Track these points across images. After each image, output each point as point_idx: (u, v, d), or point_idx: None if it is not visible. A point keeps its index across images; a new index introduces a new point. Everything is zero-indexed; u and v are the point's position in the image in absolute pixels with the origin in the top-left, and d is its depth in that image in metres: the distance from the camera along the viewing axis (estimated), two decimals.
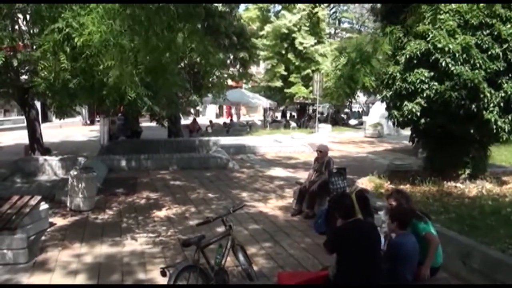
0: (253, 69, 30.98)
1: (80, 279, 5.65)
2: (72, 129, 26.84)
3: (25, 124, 14.41)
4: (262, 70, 38.64)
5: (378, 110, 23.59)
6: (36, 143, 13.72)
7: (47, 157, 12.92)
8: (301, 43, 29.77)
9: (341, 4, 34.98)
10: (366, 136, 24.80)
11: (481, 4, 8.33)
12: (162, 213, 8.60)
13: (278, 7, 32.02)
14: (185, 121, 22.77)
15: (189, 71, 17.22)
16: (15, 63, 11.23)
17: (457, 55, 8.23)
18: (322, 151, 8.71)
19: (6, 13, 6.92)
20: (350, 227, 4.21)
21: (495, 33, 8.34)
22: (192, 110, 20.18)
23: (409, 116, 8.95)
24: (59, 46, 5.28)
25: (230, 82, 26.56)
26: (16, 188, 10.09)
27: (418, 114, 8.83)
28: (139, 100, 10.24)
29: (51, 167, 12.41)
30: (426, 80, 8.59)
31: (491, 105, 8.40)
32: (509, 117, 8.63)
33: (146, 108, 12.46)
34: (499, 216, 6.96)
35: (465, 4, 8.47)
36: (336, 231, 4.37)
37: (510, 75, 8.51)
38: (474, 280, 5.35)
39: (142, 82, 7.49)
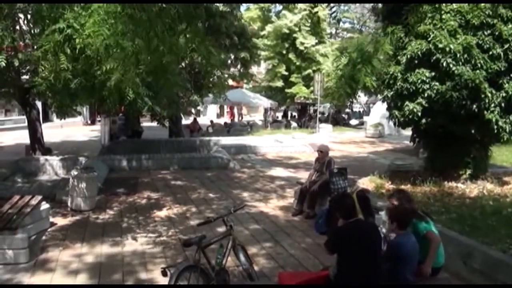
0: (254, 69, 31.01)
1: (81, 279, 5.66)
2: (73, 129, 26.85)
3: (26, 124, 14.42)
4: (263, 70, 38.62)
5: (379, 110, 23.56)
6: (37, 143, 13.73)
7: (48, 157, 12.94)
8: (302, 43, 29.75)
9: (341, 4, 34.91)
10: (367, 136, 24.77)
11: (483, 4, 8.33)
12: (163, 213, 8.61)
13: (279, 7, 32.00)
14: (186, 121, 22.78)
15: (190, 71, 17.22)
16: (16, 63, 11.24)
17: (458, 55, 8.22)
18: (323, 151, 8.71)
19: (7, 13, 6.91)
20: (351, 227, 4.21)
21: (496, 33, 8.33)
22: (193, 110, 20.18)
23: (410, 116, 8.94)
24: (60, 47, 5.28)
25: (231, 82, 26.56)
26: (17, 188, 10.10)
27: (419, 114, 8.82)
28: (140, 100, 10.27)
29: (52, 167, 12.43)
30: (427, 80, 8.58)
31: (492, 105, 8.39)
32: (510, 117, 8.61)
33: (147, 108, 12.47)
34: (500, 216, 6.95)
35: (466, 4, 8.46)
36: (337, 231, 4.37)
37: (511, 75, 8.49)
38: (475, 280, 5.34)
39: (143, 82, 7.50)
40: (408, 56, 8.68)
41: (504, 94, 8.38)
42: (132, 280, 5.62)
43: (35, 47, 7.66)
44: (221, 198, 9.86)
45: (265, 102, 31.06)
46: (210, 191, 10.53)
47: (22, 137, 17.89)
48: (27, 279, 5.59)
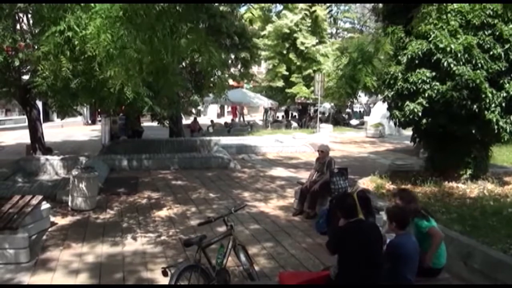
0: (254, 69, 30.96)
1: (82, 279, 5.66)
2: (74, 129, 26.86)
3: (26, 123, 14.43)
4: (263, 70, 38.61)
5: (380, 110, 23.58)
6: (37, 142, 13.74)
7: (48, 157, 12.94)
8: (302, 43, 29.74)
9: (339, 4, 34.93)
10: (367, 136, 24.78)
11: (483, 4, 8.33)
12: (163, 213, 8.61)
13: (279, 7, 32.00)
14: (186, 121, 22.79)
15: (191, 71, 17.22)
16: (17, 63, 11.26)
17: (459, 55, 8.23)
18: (323, 151, 8.71)
19: (8, 13, 6.92)
20: (351, 227, 4.22)
21: (497, 33, 8.34)
22: (193, 110, 20.18)
23: (411, 116, 8.94)
24: (60, 49, 5.26)
25: (231, 82, 26.52)
26: (17, 187, 10.10)
27: (420, 114, 8.83)
28: (140, 100, 10.27)
29: (53, 167, 12.44)
30: (428, 80, 8.59)
31: (493, 105, 8.40)
32: (511, 118, 8.62)
33: (147, 108, 12.48)
34: (500, 216, 6.95)
35: (467, 4, 8.46)
36: (338, 231, 4.37)
37: (511, 75, 8.50)
38: (475, 280, 5.35)
39: (143, 82, 7.48)
40: (409, 56, 8.69)
41: (504, 94, 8.39)
42: (133, 280, 5.63)
43: (36, 47, 7.67)
44: (222, 198, 9.87)
45: (266, 102, 31.05)
46: (211, 191, 10.53)
47: (23, 136, 17.92)
48: (27, 279, 5.59)
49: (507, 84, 8.39)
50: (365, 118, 31.46)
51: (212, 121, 28.06)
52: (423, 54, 8.54)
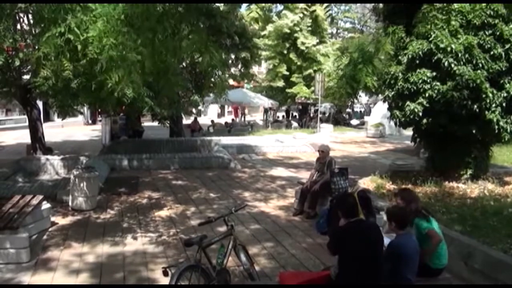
0: (254, 69, 30.95)
1: (82, 279, 5.66)
2: (74, 129, 26.88)
3: (27, 123, 14.45)
4: (264, 70, 38.58)
5: (380, 110, 23.58)
6: (38, 142, 13.75)
7: (49, 157, 12.95)
8: (303, 43, 29.75)
9: (340, 4, 34.96)
10: (368, 136, 24.78)
11: (484, 4, 8.33)
12: (163, 213, 8.61)
13: (280, 7, 31.99)
14: (186, 120, 22.79)
15: (191, 71, 17.21)
16: (17, 63, 11.27)
17: (459, 55, 8.22)
18: (324, 151, 8.71)
19: (8, 13, 6.91)
20: (352, 227, 4.22)
21: (498, 33, 8.34)
22: (193, 110, 20.18)
23: (411, 116, 8.93)
24: (61, 51, 5.26)
25: (231, 82, 26.53)
26: (18, 187, 10.11)
27: (420, 114, 8.82)
28: (141, 100, 10.27)
29: (53, 167, 12.45)
30: (428, 80, 8.58)
31: (493, 105, 8.39)
32: (511, 118, 8.61)
33: (147, 108, 12.48)
34: (501, 216, 6.95)
35: (468, 4, 8.46)
36: (338, 231, 4.37)
37: None
38: (476, 280, 5.35)
39: (144, 82, 7.49)
40: (409, 56, 8.68)
41: (505, 94, 8.39)
42: (133, 280, 5.63)
43: (36, 47, 7.67)
44: (222, 198, 9.87)
45: (266, 102, 31.06)
46: (211, 191, 10.54)
47: (23, 136, 17.93)
48: (28, 279, 5.60)
49: (508, 84, 8.39)
50: (366, 118, 31.48)
51: (212, 121, 28.08)
52: (423, 54, 8.53)
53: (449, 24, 8.41)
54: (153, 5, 5.30)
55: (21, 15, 9.06)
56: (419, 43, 8.61)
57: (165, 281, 4.61)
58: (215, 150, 15.78)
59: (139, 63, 5.24)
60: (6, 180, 10.72)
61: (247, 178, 12.27)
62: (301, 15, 29.78)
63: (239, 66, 23.94)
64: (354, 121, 34.20)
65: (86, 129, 27.80)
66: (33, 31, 9.20)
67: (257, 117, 39.76)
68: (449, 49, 8.23)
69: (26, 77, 13.04)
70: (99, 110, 18.25)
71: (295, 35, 29.94)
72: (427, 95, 8.61)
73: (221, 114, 42.39)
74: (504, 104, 8.44)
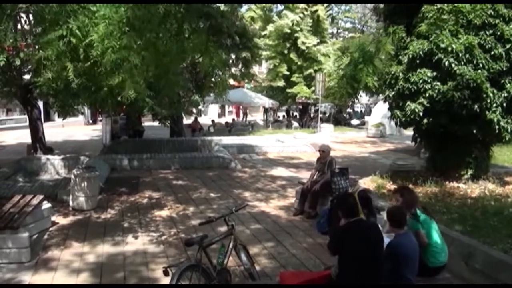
0: (255, 69, 30.94)
1: (83, 278, 5.67)
2: (75, 129, 26.90)
3: (27, 123, 14.46)
4: (264, 70, 38.58)
5: (381, 110, 23.58)
6: (38, 142, 13.76)
7: (49, 156, 12.96)
8: (303, 43, 29.73)
9: (340, 4, 34.97)
10: (368, 136, 24.78)
11: (484, 4, 8.32)
12: (164, 213, 8.62)
13: (280, 6, 31.98)
14: (187, 120, 22.80)
15: (191, 70, 17.21)
16: (18, 62, 11.25)
17: (460, 55, 8.21)
18: (324, 151, 8.71)
19: (9, 14, 6.90)
20: (352, 226, 4.22)
21: (498, 33, 8.33)
22: (194, 110, 20.19)
23: (412, 116, 8.93)
24: (63, 54, 5.25)
25: (232, 81, 26.53)
26: (18, 187, 10.13)
27: (421, 114, 8.81)
28: (141, 100, 10.25)
29: (54, 166, 12.45)
30: (429, 80, 8.57)
31: (494, 105, 8.38)
32: None
33: (148, 108, 12.47)
34: (501, 216, 6.94)
35: (468, 4, 8.45)
36: (338, 231, 4.37)
37: None
38: (476, 280, 5.35)
39: (144, 83, 7.48)
40: (410, 56, 8.68)
41: (505, 94, 8.38)
42: (134, 280, 5.63)
43: (37, 47, 7.67)
44: (222, 198, 9.87)
45: (267, 102, 31.05)
46: (212, 191, 10.54)
47: (24, 136, 17.95)
48: (28, 278, 5.60)
49: (508, 84, 8.38)
50: (366, 118, 31.47)
51: (213, 120, 28.09)
52: (424, 54, 8.53)
53: (449, 24, 8.39)
54: (154, 7, 5.29)
55: (22, 14, 9.05)
56: (419, 43, 8.60)
57: (166, 281, 4.61)
58: (216, 150, 15.79)
59: (142, 65, 5.22)
60: (7, 180, 10.73)
61: (247, 178, 12.27)
62: (302, 15, 29.80)
63: (240, 66, 23.93)
64: (355, 121, 34.21)
65: (87, 129, 27.82)
66: (34, 31, 9.20)
67: (258, 117, 39.77)
68: (449, 49, 8.23)
69: (27, 77, 13.04)
70: (100, 110, 18.26)
71: (296, 35, 29.93)
72: (427, 95, 8.61)
73: (221, 114, 42.41)
74: (504, 104, 8.43)
